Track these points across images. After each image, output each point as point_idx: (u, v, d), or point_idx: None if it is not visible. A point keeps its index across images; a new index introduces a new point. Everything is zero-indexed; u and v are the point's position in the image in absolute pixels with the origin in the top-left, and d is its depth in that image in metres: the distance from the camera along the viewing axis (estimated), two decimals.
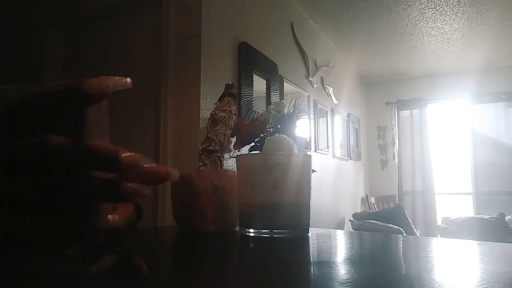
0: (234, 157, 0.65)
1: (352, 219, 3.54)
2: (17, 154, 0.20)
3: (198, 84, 1.79)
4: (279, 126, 0.69)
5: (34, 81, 2.32)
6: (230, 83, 0.77)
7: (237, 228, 0.68)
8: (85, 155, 0.20)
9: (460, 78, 4.53)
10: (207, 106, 1.81)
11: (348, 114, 4.16)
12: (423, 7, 3.00)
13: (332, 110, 3.67)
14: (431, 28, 3.39)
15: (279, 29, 2.68)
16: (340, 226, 3.69)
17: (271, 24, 2.55)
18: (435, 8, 3.01)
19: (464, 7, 2.99)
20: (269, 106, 0.70)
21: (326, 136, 3.42)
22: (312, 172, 0.63)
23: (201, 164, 0.72)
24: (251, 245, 0.55)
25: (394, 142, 4.85)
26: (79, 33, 2.32)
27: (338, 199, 3.69)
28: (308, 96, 3.08)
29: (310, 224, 0.62)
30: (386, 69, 4.61)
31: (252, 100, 2.15)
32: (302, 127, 2.78)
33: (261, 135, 0.68)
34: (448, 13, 3.11)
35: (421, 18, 3.18)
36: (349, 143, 4.11)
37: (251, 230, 0.59)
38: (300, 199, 0.59)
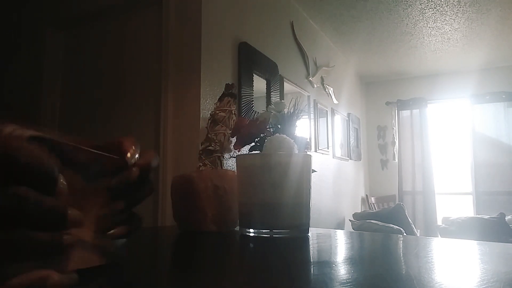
0: (234, 157, 0.65)
1: (352, 219, 3.54)
2: None
3: (198, 84, 1.79)
4: (279, 126, 0.69)
5: (33, 82, 2.31)
6: (230, 83, 0.77)
7: (237, 228, 0.68)
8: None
9: (460, 78, 4.53)
10: (207, 106, 1.80)
11: (348, 114, 4.16)
12: (423, 7, 2.99)
13: (332, 110, 3.66)
14: (431, 28, 3.39)
15: (279, 29, 2.67)
16: (340, 226, 3.69)
17: (271, 24, 2.55)
18: (435, 8, 3.01)
19: (464, 7, 2.99)
20: (269, 106, 0.70)
21: (326, 136, 3.42)
22: (312, 172, 0.63)
23: (201, 164, 0.72)
24: (251, 245, 0.55)
25: (394, 142, 4.85)
26: (79, 33, 2.32)
27: (338, 199, 3.69)
28: (308, 96, 3.08)
29: (310, 224, 0.62)
30: (386, 69, 4.60)
31: (252, 100, 2.15)
32: (302, 127, 2.78)
33: (261, 135, 0.68)
34: (448, 13, 3.11)
35: (421, 18, 3.18)
36: (349, 143, 4.11)
37: (251, 230, 0.59)
38: (300, 199, 0.59)
